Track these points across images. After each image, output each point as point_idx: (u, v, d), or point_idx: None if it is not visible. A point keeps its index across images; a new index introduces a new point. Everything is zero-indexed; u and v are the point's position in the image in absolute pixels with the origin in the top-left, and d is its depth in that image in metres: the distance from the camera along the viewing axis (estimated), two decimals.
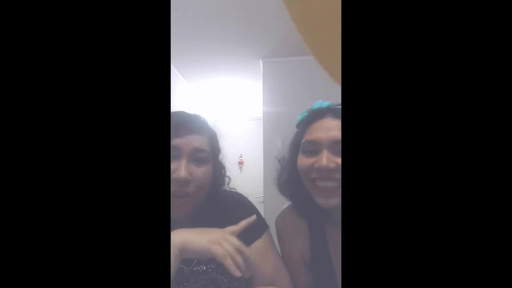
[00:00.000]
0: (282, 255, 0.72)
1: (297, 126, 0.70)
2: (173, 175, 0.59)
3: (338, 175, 0.58)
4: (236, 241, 0.57)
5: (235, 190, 0.75)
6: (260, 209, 0.73)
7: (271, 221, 0.73)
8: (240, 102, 3.63)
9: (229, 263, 0.54)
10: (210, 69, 2.69)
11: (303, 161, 0.63)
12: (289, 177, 0.70)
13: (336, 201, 0.60)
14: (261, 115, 2.51)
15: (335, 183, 0.59)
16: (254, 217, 0.65)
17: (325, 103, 0.68)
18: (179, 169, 0.59)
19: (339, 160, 0.59)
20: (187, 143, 0.62)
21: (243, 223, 0.63)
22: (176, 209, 0.61)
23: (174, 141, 0.60)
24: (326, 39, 0.38)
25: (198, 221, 0.65)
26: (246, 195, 0.74)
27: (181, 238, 0.57)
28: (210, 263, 0.65)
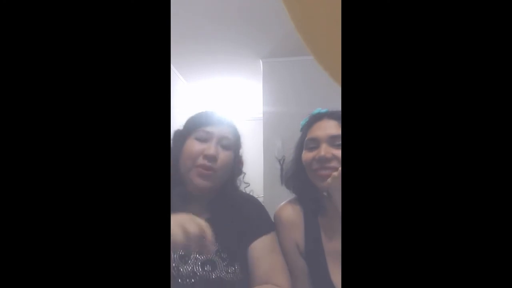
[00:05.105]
0: (279, 243, 0.78)
1: (301, 130, 0.83)
2: (204, 152, 0.70)
3: (335, 163, 0.71)
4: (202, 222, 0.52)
5: (248, 184, 0.85)
6: None
7: None
8: (240, 102, 3.63)
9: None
10: (210, 69, 2.69)
11: (306, 155, 0.76)
12: (294, 173, 0.81)
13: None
14: (261, 115, 2.51)
15: (333, 170, 0.70)
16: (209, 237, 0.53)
17: (323, 110, 0.81)
18: (209, 147, 0.71)
19: (335, 151, 0.71)
20: (217, 130, 0.73)
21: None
22: (201, 179, 0.69)
23: (208, 128, 0.73)
24: (326, 39, 0.38)
25: (214, 218, 0.70)
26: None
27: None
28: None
